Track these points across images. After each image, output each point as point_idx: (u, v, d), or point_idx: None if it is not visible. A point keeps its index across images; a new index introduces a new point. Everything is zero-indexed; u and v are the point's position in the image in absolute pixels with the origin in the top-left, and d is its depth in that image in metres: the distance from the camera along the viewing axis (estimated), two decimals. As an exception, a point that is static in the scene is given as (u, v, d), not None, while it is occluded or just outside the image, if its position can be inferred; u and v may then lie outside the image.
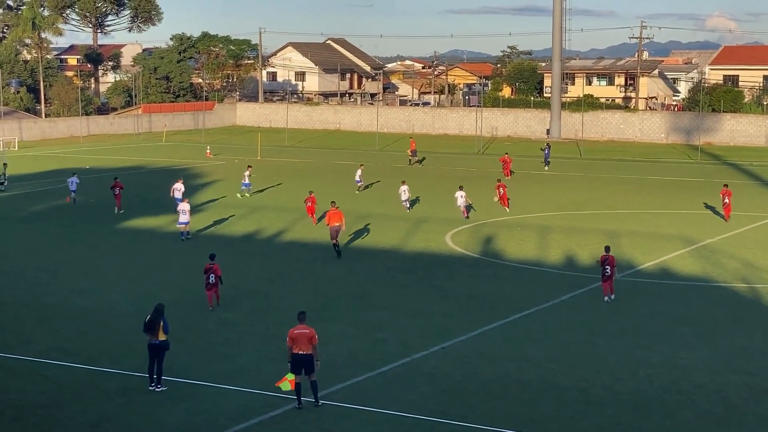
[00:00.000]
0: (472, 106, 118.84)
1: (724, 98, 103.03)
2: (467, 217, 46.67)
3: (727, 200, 46.41)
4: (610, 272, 30.34)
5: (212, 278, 29.01)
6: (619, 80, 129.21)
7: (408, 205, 49.19)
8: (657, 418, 20.21)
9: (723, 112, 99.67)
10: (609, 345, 25.54)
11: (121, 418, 20.02)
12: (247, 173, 54.83)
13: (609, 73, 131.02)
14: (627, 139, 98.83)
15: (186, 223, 40.48)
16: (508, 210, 48.70)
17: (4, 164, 59.00)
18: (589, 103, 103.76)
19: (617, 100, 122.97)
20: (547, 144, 74.57)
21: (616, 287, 31.04)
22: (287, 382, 20.25)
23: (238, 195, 53.83)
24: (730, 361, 24.24)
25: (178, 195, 45.83)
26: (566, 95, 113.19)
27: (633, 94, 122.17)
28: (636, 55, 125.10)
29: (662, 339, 26.19)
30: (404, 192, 48.75)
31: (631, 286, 32.83)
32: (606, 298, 30.47)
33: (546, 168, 69.42)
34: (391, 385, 22.08)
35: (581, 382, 22.44)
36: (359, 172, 57.90)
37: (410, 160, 74.01)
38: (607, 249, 31.40)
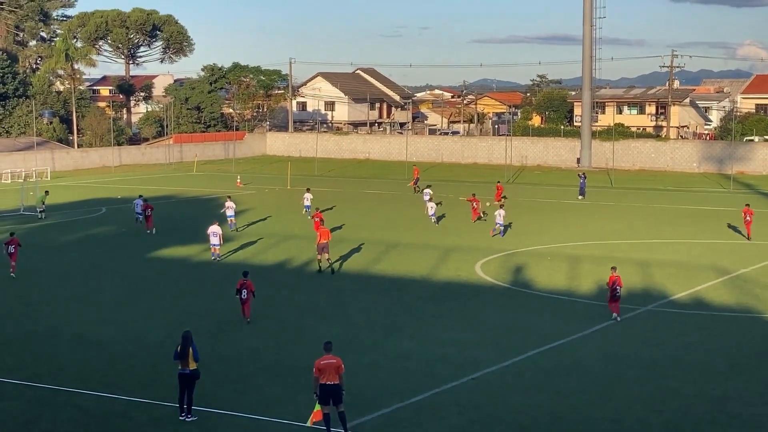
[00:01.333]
0: (502, 135, 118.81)
1: (756, 127, 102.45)
2: (500, 235, 49.35)
3: (749, 218, 49.15)
4: (620, 293, 31.29)
5: (245, 293, 30.87)
6: (650, 109, 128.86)
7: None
8: (691, 451, 19.95)
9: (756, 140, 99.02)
10: (641, 376, 25.30)
11: (151, 448, 20.01)
12: (308, 195, 58.12)
13: (640, 101, 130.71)
14: (658, 168, 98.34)
15: (217, 245, 42.56)
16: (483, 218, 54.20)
17: (46, 192, 59.65)
18: (620, 132, 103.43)
19: (648, 129, 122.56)
20: (583, 173, 74.20)
21: (651, 316, 30.82)
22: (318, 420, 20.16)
23: (303, 212, 57.31)
24: (764, 393, 23.93)
25: (230, 212, 51.11)
26: (596, 124, 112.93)
27: (664, 123, 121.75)
28: (667, 84, 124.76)
29: (696, 370, 25.92)
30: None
31: (664, 316, 32.56)
32: (617, 317, 31.28)
33: (580, 197, 69.09)
34: (421, 416, 21.95)
35: (613, 413, 22.22)
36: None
37: (415, 189, 73.25)
38: (614, 269, 32.31)
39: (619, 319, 31.51)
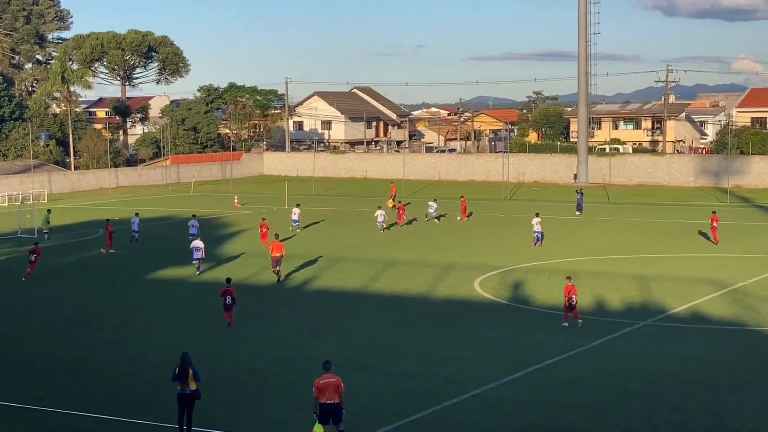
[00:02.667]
0: (499, 152, 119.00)
1: (752, 140, 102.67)
2: (539, 244, 52.13)
3: (715, 224, 52.99)
4: (575, 301, 32.74)
5: (229, 299, 32.96)
6: (646, 124, 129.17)
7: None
8: (692, 465, 19.91)
9: (751, 154, 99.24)
10: (641, 391, 25.27)
11: (151, 469, 19.96)
12: (296, 210, 60.70)
13: (636, 117, 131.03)
14: (655, 182, 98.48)
15: (200, 259, 44.85)
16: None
17: (48, 211, 59.86)
18: (615, 149, 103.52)
19: (644, 144, 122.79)
20: (581, 189, 74.31)
21: (649, 331, 30.83)
22: None
23: (291, 228, 59.35)
24: (765, 406, 23.92)
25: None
26: (593, 140, 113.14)
27: (660, 138, 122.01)
28: (663, 99, 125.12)
29: (695, 384, 25.90)
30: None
31: (663, 331, 32.55)
32: (575, 323, 32.65)
33: (577, 213, 69.16)
34: (422, 434, 21.91)
35: (614, 428, 22.19)
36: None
37: (394, 206, 71.44)
38: (569, 279, 33.59)
39: (580, 321, 32.71)
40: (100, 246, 52.63)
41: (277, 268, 42.36)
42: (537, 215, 54.27)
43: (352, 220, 67.54)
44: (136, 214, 56.91)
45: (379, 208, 60.83)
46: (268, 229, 52.30)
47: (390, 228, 56.40)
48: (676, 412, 23.43)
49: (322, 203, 79.25)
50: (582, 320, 32.88)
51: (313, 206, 73.05)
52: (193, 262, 44.73)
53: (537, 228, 52.86)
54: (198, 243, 45.25)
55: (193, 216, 56.62)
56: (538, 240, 52.83)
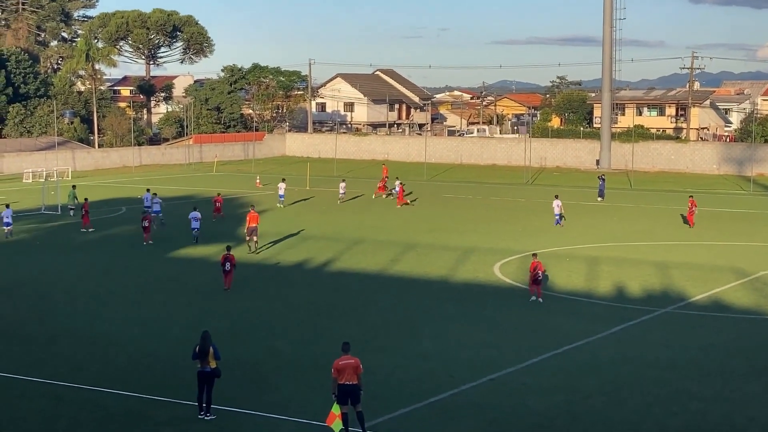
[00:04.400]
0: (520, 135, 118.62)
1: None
2: (560, 225, 54.14)
3: (694, 209, 55.26)
4: (541, 276, 34.52)
5: (228, 266, 35.56)
6: (670, 111, 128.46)
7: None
8: (709, 453, 19.92)
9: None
10: (660, 378, 25.27)
11: (170, 446, 20.14)
12: (282, 185, 63.63)
13: (660, 103, 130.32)
14: (678, 170, 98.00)
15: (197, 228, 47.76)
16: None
17: (73, 187, 60.32)
18: (639, 134, 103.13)
19: (668, 131, 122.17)
20: (603, 175, 74.11)
21: (669, 318, 30.79)
22: (338, 421, 20.18)
23: (278, 205, 62.42)
24: (783, 396, 23.86)
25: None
26: (616, 126, 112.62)
27: (684, 125, 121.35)
28: (687, 86, 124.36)
29: (715, 372, 25.87)
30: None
31: (683, 318, 32.49)
32: (534, 298, 34.32)
33: (599, 199, 68.99)
34: (439, 417, 22.00)
35: (631, 415, 22.21)
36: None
37: (385, 188, 71.23)
38: (535, 256, 35.47)
39: (541, 300, 34.25)
40: (123, 224, 52.91)
41: (254, 238, 44.55)
42: (557, 197, 56.02)
43: (373, 203, 67.57)
44: (147, 191, 57.66)
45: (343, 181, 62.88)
46: (221, 203, 56.39)
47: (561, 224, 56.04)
48: (694, 399, 23.43)
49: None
50: (543, 300, 34.24)
51: (335, 188, 72.98)
52: (193, 230, 47.52)
53: (557, 210, 54.68)
54: (196, 213, 47.91)
55: (148, 190, 57.80)
56: (558, 222, 54.50)
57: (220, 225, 53.18)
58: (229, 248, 36.85)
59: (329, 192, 72.72)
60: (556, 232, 52.36)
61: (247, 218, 45.71)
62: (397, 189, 65.98)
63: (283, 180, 66.01)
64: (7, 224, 49.10)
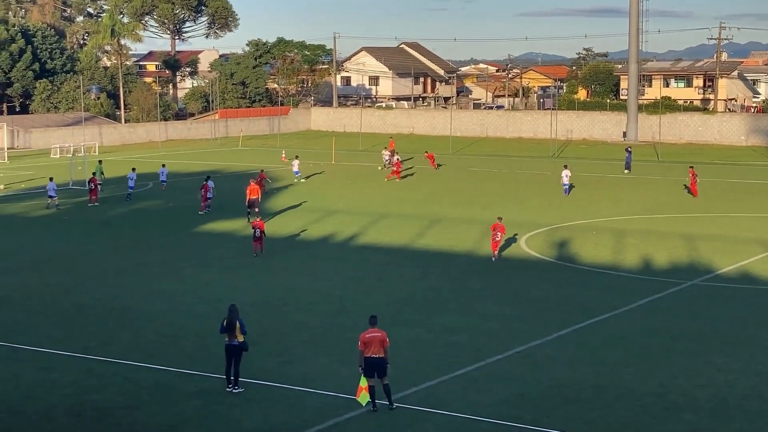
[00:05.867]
0: (547, 108, 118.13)
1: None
2: (567, 194, 55.40)
3: (696, 179, 55.68)
4: (499, 238, 37.05)
5: (258, 232, 37.58)
6: (698, 82, 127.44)
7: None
8: (737, 425, 19.90)
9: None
10: (687, 350, 25.21)
11: (198, 419, 20.32)
12: (296, 162, 64.65)
13: (687, 74, 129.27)
14: (705, 141, 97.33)
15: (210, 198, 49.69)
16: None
17: (99, 162, 60.81)
18: (666, 106, 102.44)
19: (695, 102, 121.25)
20: (630, 147, 73.74)
21: (697, 290, 30.74)
22: (365, 394, 20.27)
23: (296, 180, 62.95)
24: (812, 368, 23.75)
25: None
26: (643, 97, 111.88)
27: (711, 96, 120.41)
28: (715, 57, 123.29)
29: (742, 344, 25.78)
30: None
31: (710, 290, 32.37)
32: (494, 259, 36.84)
33: (626, 171, 68.68)
34: (466, 389, 22.06)
35: (658, 387, 22.19)
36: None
37: (391, 162, 71.08)
38: (500, 219, 37.66)
39: (493, 259, 36.76)
40: (150, 198, 53.24)
41: (255, 209, 44.84)
42: (566, 167, 57.24)
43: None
44: (163, 165, 59.98)
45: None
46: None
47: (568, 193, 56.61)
48: (721, 371, 23.36)
49: (369, 159, 79.10)
50: (496, 259, 36.81)
51: (360, 162, 73.12)
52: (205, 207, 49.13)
53: (566, 180, 55.90)
54: (210, 183, 49.68)
55: (164, 165, 60.80)
56: (567, 191, 55.86)
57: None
58: (258, 216, 39.47)
59: (354, 166, 72.75)
60: (582, 205, 52.18)
61: (247, 190, 46.54)
62: (388, 160, 68.83)
63: (297, 157, 66.74)
64: (51, 196, 50.15)
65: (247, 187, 46.90)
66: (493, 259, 36.88)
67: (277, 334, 26.70)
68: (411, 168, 69.79)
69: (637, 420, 20.16)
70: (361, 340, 20.70)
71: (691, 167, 58.07)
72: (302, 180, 63.54)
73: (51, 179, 51.15)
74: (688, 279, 33.72)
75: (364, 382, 20.31)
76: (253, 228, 38.17)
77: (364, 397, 20.25)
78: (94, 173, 55.28)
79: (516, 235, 42.09)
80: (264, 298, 30.90)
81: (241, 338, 21.84)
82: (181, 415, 20.49)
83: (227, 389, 21.82)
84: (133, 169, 56.61)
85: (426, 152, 72.63)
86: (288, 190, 58.39)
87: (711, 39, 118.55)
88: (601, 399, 21.42)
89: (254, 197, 46.05)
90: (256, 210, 44.92)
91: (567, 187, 56.20)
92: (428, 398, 21.40)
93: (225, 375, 22.00)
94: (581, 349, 25.33)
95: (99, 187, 53.44)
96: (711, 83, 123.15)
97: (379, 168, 69.67)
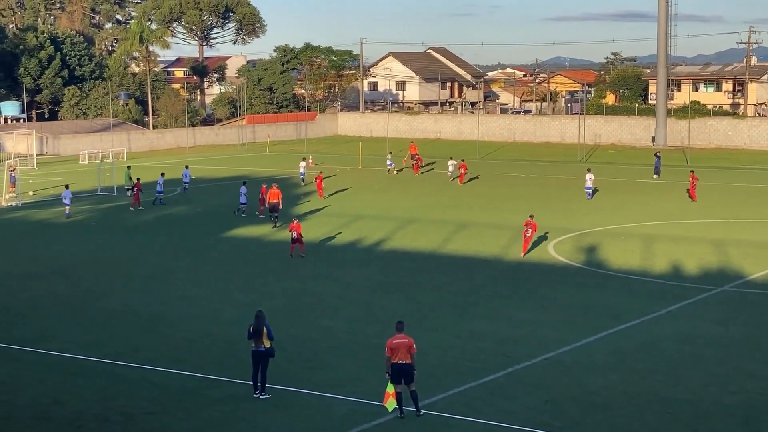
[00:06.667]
0: (575, 113, 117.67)
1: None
2: (590, 198, 55.55)
3: (695, 183, 56.05)
4: (530, 234, 38.50)
5: (295, 234, 38.01)
6: (727, 86, 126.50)
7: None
8: (768, 433, 19.67)
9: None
10: (717, 357, 24.97)
11: (226, 425, 20.30)
12: (302, 164, 66.59)
13: (716, 79, 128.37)
14: (735, 146, 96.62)
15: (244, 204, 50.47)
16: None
17: (128, 167, 61.03)
18: (695, 110, 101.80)
19: (725, 107, 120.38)
20: (658, 153, 73.27)
21: (727, 296, 30.45)
22: (392, 400, 20.18)
23: (302, 183, 64.76)
24: None
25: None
26: (672, 102, 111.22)
27: (741, 101, 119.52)
28: (744, 61, 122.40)
29: (773, 351, 25.50)
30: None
31: (741, 296, 32.07)
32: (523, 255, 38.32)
33: (655, 176, 68.25)
34: (494, 396, 21.93)
35: (688, 394, 21.97)
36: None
37: (413, 165, 73.44)
38: (531, 216, 39.32)
39: (522, 255, 38.26)
40: (178, 204, 53.44)
41: (275, 214, 46.22)
42: (589, 171, 57.43)
43: (426, 181, 67.46)
44: (186, 167, 61.83)
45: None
46: (322, 180, 57.98)
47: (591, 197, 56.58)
48: (752, 378, 23.11)
49: (396, 164, 79.02)
50: (525, 254, 38.46)
51: (386, 167, 73.12)
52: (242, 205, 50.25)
53: (589, 184, 55.84)
54: (244, 188, 50.77)
55: (187, 167, 62.77)
56: (590, 195, 55.83)
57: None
58: (294, 218, 39.54)
59: (381, 171, 72.71)
60: (611, 210, 51.89)
61: (267, 194, 47.34)
62: (392, 164, 71.69)
63: (304, 159, 69.57)
64: (66, 204, 49.83)
65: (268, 191, 47.38)
66: (522, 255, 38.28)
67: (305, 340, 26.67)
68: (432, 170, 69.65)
69: (667, 427, 19.97)
70: (388, 346, 20.61)
71: (692, 171, 58.61)
72: (302, 184, 64.33)
73: (67, 186, 51.12)
74: (718, 285, 33.42)
75: (391, 389, 20.22)
76: (290, 231, 38.57)
77: (391, 404, 20.17)
78: (138, 178, 55.39)
79: (548, 233, 42.13)
80: (291, 304, 30.89)
81: (268, 344, 21.81)
82: (208, 421, 20.48)
83: (254, 395, 21.79)
84: (162, 174, 56.76)
85: (462, 161, 71.06)
86: (315, 195, 58.37)
87: (740, 43, 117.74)
88: (630, 406, 21.22)
89: (275, 201, 46.61)
90: (275, 216, 46.17)
91: (590, 191, 56.01)
92: (456, 405, 21.28)
93: (252, 381, 21.97)
94: (610, 355, 25.14)
95: (132, 191, 53.64)
96: (740, 87, 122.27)
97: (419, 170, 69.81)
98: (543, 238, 42.59)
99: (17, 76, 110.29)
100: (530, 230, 38.50)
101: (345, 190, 61.80)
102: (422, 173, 72.05)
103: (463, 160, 67.36)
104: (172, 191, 60.52)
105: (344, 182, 66.06)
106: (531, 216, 39.36)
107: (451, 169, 66.54)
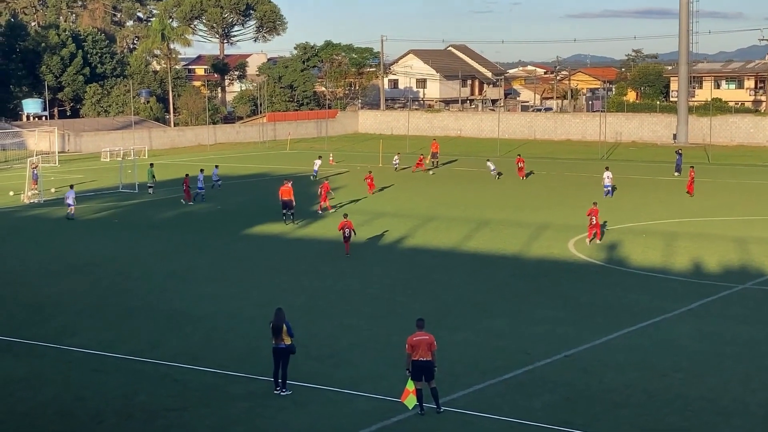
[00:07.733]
0: (596, 111, 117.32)
1: None
2: (609, 195, 55.22)
3: (693, 175, 56.83)
4: (595, 221, 40.25)
5: (347, 232, 38.06)
6: (749, 83, 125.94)
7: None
8: (789, 431, 19.60)
9: None
10: (738, 354, 24.88)
11: (246, 421, 20.39)
12: (317, 162, 67.43)
13: (738, 76, 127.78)
14: (758, 143, 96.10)
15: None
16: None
17: (151, 165, 61.32)
18: (717, 107, 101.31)
19: (747, 104, 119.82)
20: (679, 150, 73.02)
21: (749, 294, 30.32)
22: (412, 397, 20.21)
23: (311, 177, 65.49)
24: None
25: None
26: (693, 99, 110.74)
27: (763, 98, 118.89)
28: (766, 58, 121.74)
29: (795, 349, 25.40)
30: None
31: (763, 294, 31.93)
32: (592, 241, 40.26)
33: (676, 174, 67.98)
34: (514, 393, 21.94)
35: (709, 392, 21.91)
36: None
37: (433, 163, 75.01)
38: (595, 204, 41.23)
39: (588, 242, 40.26)
40: (199, 202, 53.88)
41: (290, 211, 46.43)
42: (607, 169, 57.59)
43: (446, 179, 67.45)
44: (216, 166, 62.37)
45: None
46: (373, 180, 58.64)
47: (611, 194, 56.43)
48: (774, 377, 23.04)
49: (415, 161, 79.03)
50: (590, 241, 40.45)
51: (408, 163, 73.19)
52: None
53: (607, 182, 55.85)
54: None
55: (216, 166, 62.98)
56: (608, 193, 55.58)
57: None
58: (346, 215, 39.56)
59: (402, 168, 72.68)
60: (631, 208, 51.73)
61: (280, 192, 47.08)
62: (397, 163, 72.14)
63: (320, 157, 70.28)
64: (69, 205, 49.29)
65: (280, 188, 47.26)
66: (588, 242, 40.42)
67: (325, 336, 26.74)
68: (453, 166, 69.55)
69: (688, 426, 19.93)
70: (408, 343, 20.66)
71: (692, 167, 59.53)
72: (314, 179, 64.39)
73: (71, 186, 51.13)
74: (740, 282, 33.28)
75: (411, 386, 20.25)
76: (341, 229, 38.45)
77: (411, 401, 20.19)
78: (187, 174, 56.53)
79: (605, 227, 41.94)
80: (312, 301, 30.97)
81: (288, 341, 21.89)
82: (229, 418, 20.58)
83: (275, 392, 21.88)
84: (201, 171, 56.91)
85: (518, 156, 70.98)
86: (336, 193, 58.44)
87: (762, 40, 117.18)
88: (651, 404, 21.19)
89: (287, 198, 46.45)
90: (291, 213, 46.42)
91: (609, 188, 55.93)
92: (476, 402, 21.31)
93: (273, 378, 22.06)
94: (631, 353, 25.09)
95: (150, 190, 53.90)
96: (762, 84, 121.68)
97: (431, 172, 69.87)
98: (563, 235, 42.53)
99: (39, 73, 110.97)
100: (593, 218, 40.16)
101: (364, 187, 61.81)
102: (433, 173, 71.89)
103: (519, 155, 68.53)
104: (193, 188, 60.69)
105: (361, 177, 66.02)
106: (594, 203, 41.54)
107: (492, 167, 66.68)
